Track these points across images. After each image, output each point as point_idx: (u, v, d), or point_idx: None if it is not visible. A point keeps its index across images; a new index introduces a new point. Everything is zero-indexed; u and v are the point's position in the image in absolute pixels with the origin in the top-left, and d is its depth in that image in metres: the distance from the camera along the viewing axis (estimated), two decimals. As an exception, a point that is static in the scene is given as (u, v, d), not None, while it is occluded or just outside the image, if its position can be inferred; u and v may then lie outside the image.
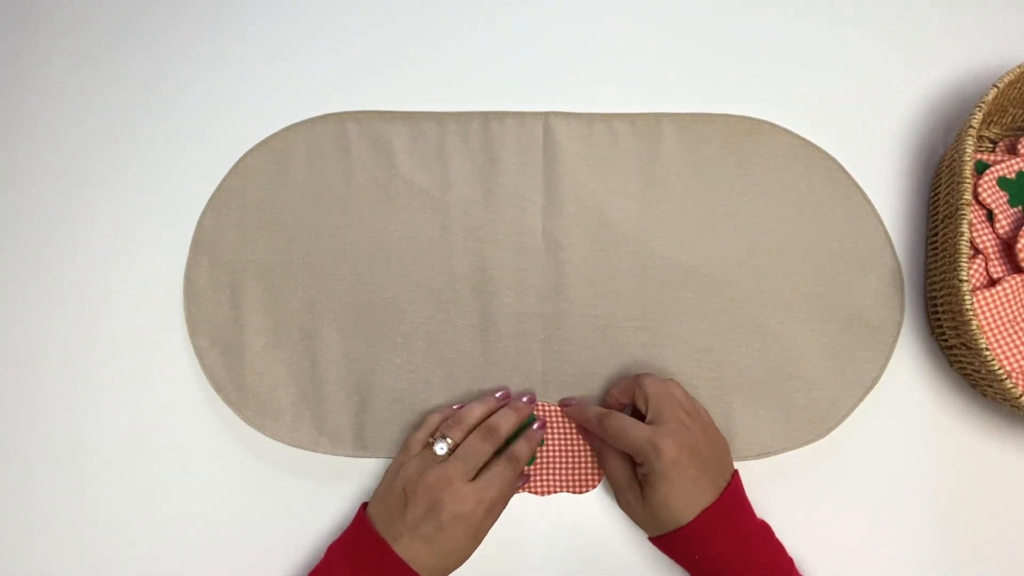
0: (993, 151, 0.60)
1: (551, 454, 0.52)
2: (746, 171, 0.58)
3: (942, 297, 0.52)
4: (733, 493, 0.46)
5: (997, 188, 0.56)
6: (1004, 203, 0.55)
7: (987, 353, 0.47)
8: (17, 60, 0.62)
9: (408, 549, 0.43)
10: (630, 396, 0.50)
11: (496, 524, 0.50)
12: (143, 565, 0.51)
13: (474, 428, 0.49)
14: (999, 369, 0.47)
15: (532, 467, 0.52)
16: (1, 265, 0.57)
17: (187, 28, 0.63)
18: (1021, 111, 0.58)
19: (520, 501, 0.51)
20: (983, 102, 0.52)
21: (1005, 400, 0.49)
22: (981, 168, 0.57)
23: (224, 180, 0.58)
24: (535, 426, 0.52)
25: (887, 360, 0.54)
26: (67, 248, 0.57)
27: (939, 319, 0.53)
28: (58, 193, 0.58)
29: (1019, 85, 0.55)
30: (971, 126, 0.51)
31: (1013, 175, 0.56)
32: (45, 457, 0.53)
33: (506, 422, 0.49)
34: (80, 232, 0.58)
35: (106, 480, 0.52)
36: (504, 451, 0.49)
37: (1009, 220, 0.55)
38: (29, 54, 0.62)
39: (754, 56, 0.62)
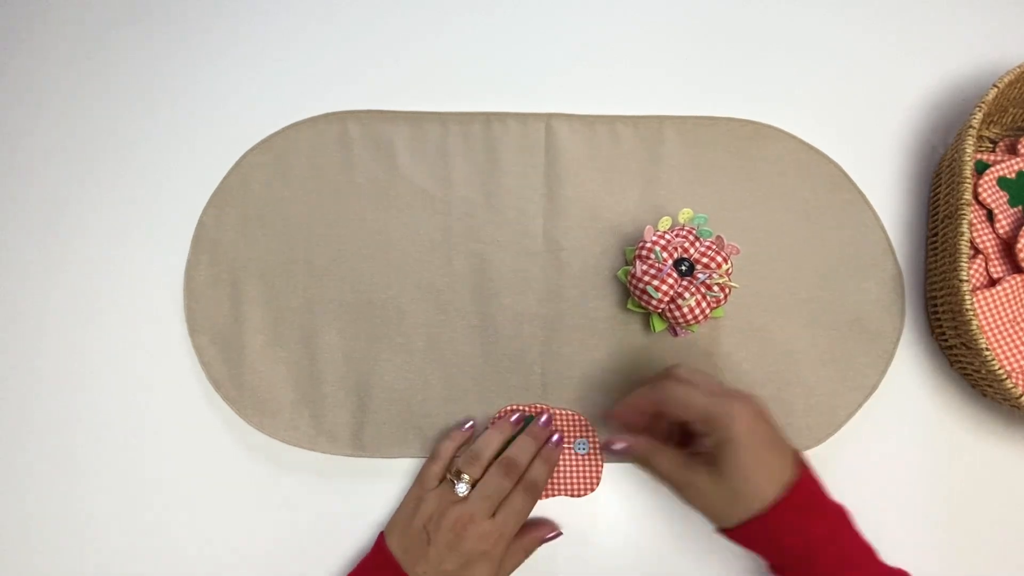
0: (993, 151, 0.60)
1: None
2: (748, 175, 0.58)
3: (942, 297, 0.52)
4: (809, 471, 0.42)
5: (997, 188, 0.56)
6: (1004, 203, 0.56)
7: (987, 353, 0.47)
8: (18, 59, 0.62)
9: None
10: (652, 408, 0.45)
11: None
12: (140, 563, 0.51)
13: (492, 460, 0.48)
14: (999, 369, 0.47)
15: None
16: (1, 263, 0.57)
17: (189, 26, 0.63)
18: (1021, 111, 0.58)
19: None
20: (983, 102, 0.52)
21: (1005, 400, 0.49)
22: (981, 168, 0.57)
23: (225, 178, 0.58)
24: (553, 439, 0.51)
25: (887, 367, 0.54)
26: (67, 246, 0.57)
27: (939, 319, 0.53)
28: (59, 191, 0.59)
29: (1019, 85, 0.55)
30: (971, 126, 0.51)
31: (1013, 175, 0.56)
32: (44, 455, 0.53)
33: (524, 455, 0.48)
34: (81, 230, 0.58)
35: (105, 477, 0.52)
36: (522, 479, 0.48)
37: (1009, 220, 0.55)
38: (30, 53, 0.63)
39: (756, 59, 0.62)
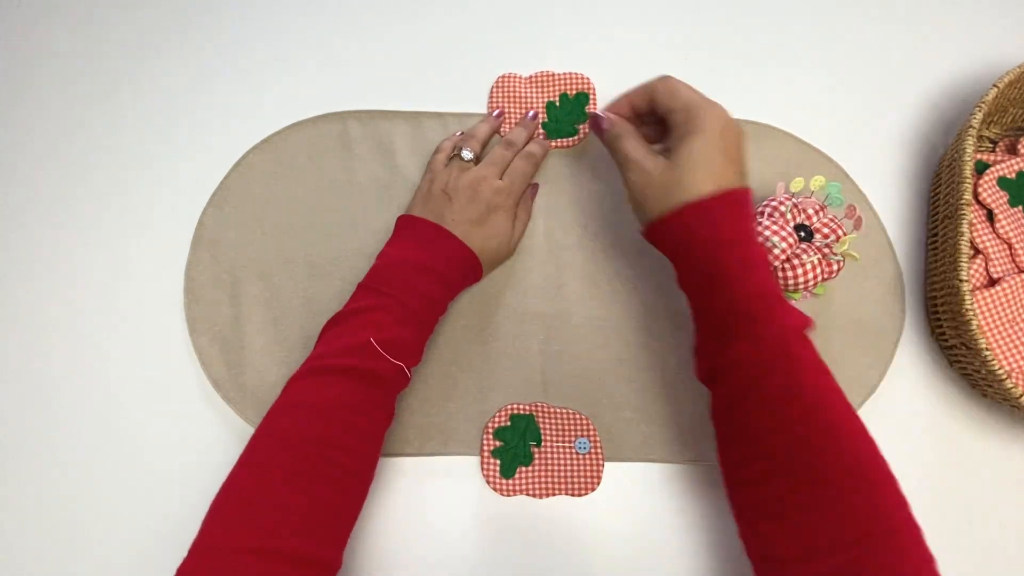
0: (993, 151, 0.60)
1: (550, 456, 0.52)
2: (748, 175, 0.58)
3: (942, 297, 0.52)
4: (749, 199, 0.44)
5: (997, 188, 0.56)
6: (1004, 203, 0.56)
7: (987, 353, 0.47)
8: (19, 59, 0.62)
9: (459, 229, 0.50)
10: (648, 102, 0.49)
11: (493, 525, 0.51)
12: (139, 563, 0.51)
13: (486, 143, 0.57)
14: (999, 369, 0.47)
15: (531, 467, 0.52)
16: (2, 262, 0.57)
17: (189, 26, 0.63)
18: (1021, 111, 0.58)
19: (518, 504, 0.51)
20: (983, 102, 0.52)
21: (1005, 400, 0.49)
22: (981, 168, 0.57)
23: (226, 178, 0.58)
24: (530, 115, 0.59)
25: (887, 367, 0.54)
26: (68, 245, 0.57)
27: (939, 319, 0.53)
28: (60, 190, 0.59)
29: (1019, 85, 0.55)
30: (971, 126, 0.51)
31: (1013, 175, 0.56)
32: (44, 455, 0.53)
33: (520, 135, 0.57)
34: (82, 229, 0.58)
35: (104, 477, 0.52)
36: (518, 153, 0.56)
37: (1009, 220, 0.55)
38: (31, 53, 0.63)
39: (756, 60, 0.62)
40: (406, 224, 0.52)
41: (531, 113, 0.59)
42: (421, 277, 0.48)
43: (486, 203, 0.51)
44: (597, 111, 0.51)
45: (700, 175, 0.42)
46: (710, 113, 0.44)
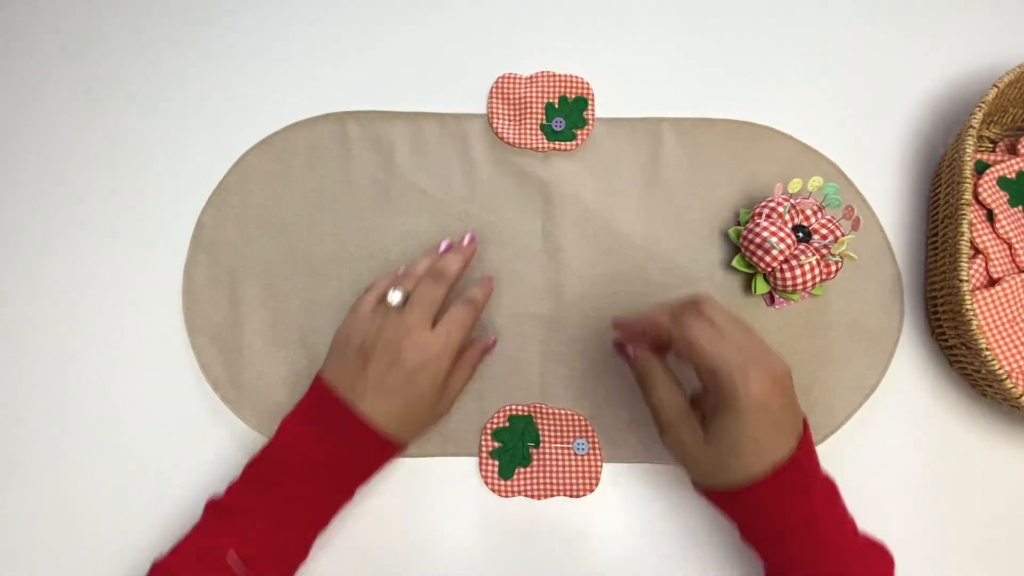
0: (993, 151, 0.60)
1: (548, 457, 0.52)
2: (747, 176, 0.58)
3: (942, 297, 0.52)
4: (807, 445, 0.39)
5: (997, 188, 0.56)
6: (1004, 203, 0.56)
7: (987, 353, 0.47)
8: (17, 57, 0.62)
9: (374, 405, 0.42)
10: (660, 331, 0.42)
11: (491, 527, 0.51)
12: (138, 563, 0.51)
13: None
14: (999, 369, 0.47)
15: (529, 468, 0.52)
16: (0, 262, 0.57)
17: (188, 26, 0.63)
18: (1021, 111, 0.58)
19: (517, 505, 0.51)
20: (983, 102, 0.52)
21: (1005, 400, 0.49)
22: (981, 168, 0.57)
23: (224, 178, 0.58)
24: (466, 239, 0.51)
25: (886, 367, 0.54)
26: (66, 246, 0.57)
27: (939, 319, 0.53)
28: (58, 191, 0.59)
29: (1019, 85, 0.55)
30: (971, 126, 0.51)
31: (1013, 175, 0.56)
32: (41, 455, 0.53)
33: (453, 263, 0.48)
34: (80, 229, 0.58)
35: (102, 477, 0.52)
36: (461, 296, 0.48)
37: (1009, 220, 0.55)
38: (30, 52, 0.63)
39: (754, 60, 0.62)
40: (317, 394, 0.45)
41: (468, 236, 0.52)
42: (312, 477, 0.42)
43: (409, 365, 0.42)
44: (621, 340, 0.49)
45: (744, 460, 0.37)
46: (744, 383, 0.36)
